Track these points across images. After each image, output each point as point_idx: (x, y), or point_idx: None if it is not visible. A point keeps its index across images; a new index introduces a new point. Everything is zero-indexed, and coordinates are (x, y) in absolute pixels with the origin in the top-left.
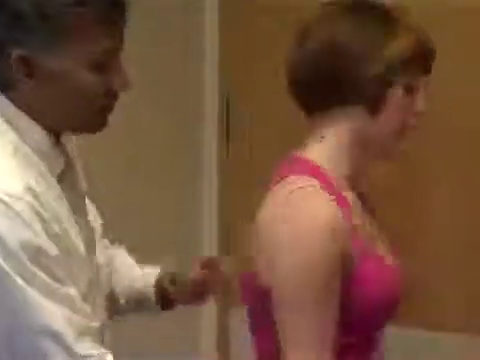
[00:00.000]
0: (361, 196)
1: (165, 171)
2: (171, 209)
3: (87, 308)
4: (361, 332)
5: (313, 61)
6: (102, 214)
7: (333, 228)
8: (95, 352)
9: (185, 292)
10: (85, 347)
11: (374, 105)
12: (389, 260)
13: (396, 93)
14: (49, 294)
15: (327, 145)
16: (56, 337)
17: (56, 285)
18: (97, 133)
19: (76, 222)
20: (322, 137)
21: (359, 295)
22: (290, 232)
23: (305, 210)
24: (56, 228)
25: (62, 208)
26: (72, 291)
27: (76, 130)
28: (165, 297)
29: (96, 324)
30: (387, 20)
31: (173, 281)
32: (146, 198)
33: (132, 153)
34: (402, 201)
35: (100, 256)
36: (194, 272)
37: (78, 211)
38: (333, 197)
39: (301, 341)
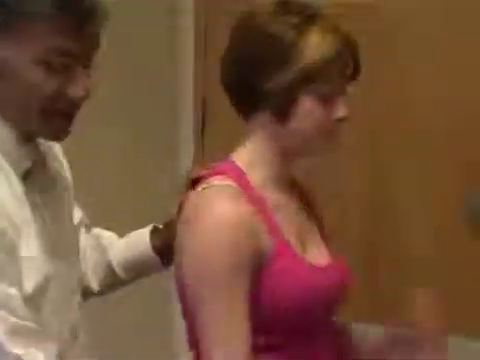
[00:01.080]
0: (301, 197)
1: (140, 171)
2: (146, 210)
3: (24, 309)
4: (282, 333)
5: (226, 68)
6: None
7: (237, 226)
8: (23, 351)
9: None
10: (16, 346)
11: (282, 113)
12: (316, 260)
13: (306, 101)
14: None
15: (249, 149)
16: None
17: None
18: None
19: (35, 221)
20: (246, 141)
21: (271, 293)
22: (194, 230)
23: (209, 208)
24: (1, 223)
25: (17, 205)
26: (10, 290)
27: (37, 133)
28: (164, 253)
29: (32, 325)
30: (300, 27)
31: (169, 232)
32: (121, 198)
33: (106, 150)
34: (371, 206)
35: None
36: None
37: (44, 211)
38: (245, 197)
39: (207, 336)
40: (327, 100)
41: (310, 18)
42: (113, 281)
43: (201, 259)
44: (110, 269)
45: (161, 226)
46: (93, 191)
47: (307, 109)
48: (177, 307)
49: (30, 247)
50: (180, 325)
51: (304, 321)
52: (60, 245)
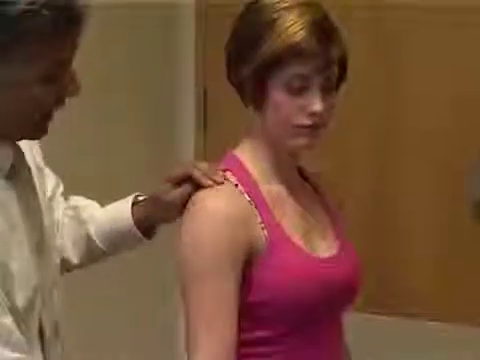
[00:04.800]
0: (310, 189)
1: (141, 162)
2: None
3: (17, 336)
4: (283, 324)
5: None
6: None
7: (230, 219)
8: None
9: (165, 215)
10: None
11: (256, 103)
12: (321, 252)
13: (275, 91)
14: None
15: (249, 141)
16: None
17: None
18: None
19: (24, 222)
20: (247, 133)
21: (269, 285)
22: (188, 224)
23: (202, 203)
24: None
25: (4, 214)
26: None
27: (18, 137)
28: (145, 226)
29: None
30: (268, 20)
31: (155, 205)
32: (124, 188)
33: (108, 142)
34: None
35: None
36: (169, 194)
37: (28, 208)
38: (243, 190)
39: (194, 326)
40: (299, 92)
41: (286, 8)
42: (94, 255)
43: (194, 252)
44: (90, 243)
45: (143, 197)
46: (92, 184)
47: (276, 100)
48: (177, 307)
49: (21, 257)
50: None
51: (304, 312)
52: (43, 242)
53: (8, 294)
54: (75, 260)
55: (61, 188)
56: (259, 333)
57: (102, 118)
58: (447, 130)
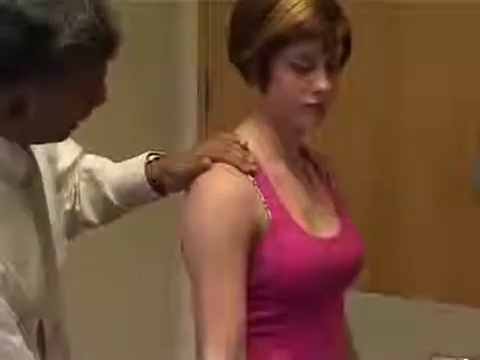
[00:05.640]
0: (313, 170)
1: (145, 142)
2: None
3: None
4: (286, 304)
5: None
6: None
7: (233, 200)
8: None
9: (171, 184)
10: None
11: (261, 84)
12: (323, 233)
13: (279, 70)
14: None
15: (251, 122)
16: None
17: None
18: None
19: (38, 231)
20: (250, 114)
21: (271, 266)
22: (192, 207)
23: (205, 185)
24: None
25: (21, 230)
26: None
27: (40, 142)
28: (159, 186)
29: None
30: (271, 0)
31: (164, 173)
32: None
33: (112, 124)
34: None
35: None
36: (176, 165)
37: (41, 214)
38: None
39: (202, 308)
40: (304, 71)
41: None
42: (112, 213)
43: (199, 234)
44: (107, 203)
45: (155, 157)
46: None
47: (282, 78)
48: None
49: (31, 267)
50: (181, 325)
51: (305, 292)
52: (50, 249)
53: (15, 301)
54: (95, 220)
55: (81, 157)
56: (260, 313)
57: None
58: (446, 127)
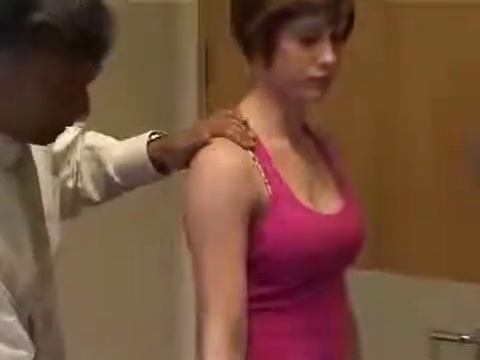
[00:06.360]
0: (315, 146)
1: (144, 116)
2: None
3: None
4: (286, 280)
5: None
6: None
7: (233, 175)
8: None
9: (172, 162)
10: None
11: (265, 57)
12: (325, 208)
13: (285, 43)
14: None
15: (253, 97)
16: None
17: None
18: None
19: (27, 220)
20: (252, 90)
21: (271, 240)
22: (192, 183)
23: (204, 161)
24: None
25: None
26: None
27: (22, 140)
28: (161, 164)
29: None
30: None
31: (166, 151)
32: None
33: (109, 99)
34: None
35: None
36: (176, 142)
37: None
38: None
39: (204, 284)
40: (309, 43)
41: None
42: (113, 191)
43: (199, 209)
44: (109, 181)
45: (157, 136)
46: None
47: (287, 51)
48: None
49: (22, 253)
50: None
51: (305, 269)
52: (41, 233)
53: (10, 281)
54: (97, 198)
55: (82, 133)
56: (260, 289)
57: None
58: (446, 97)
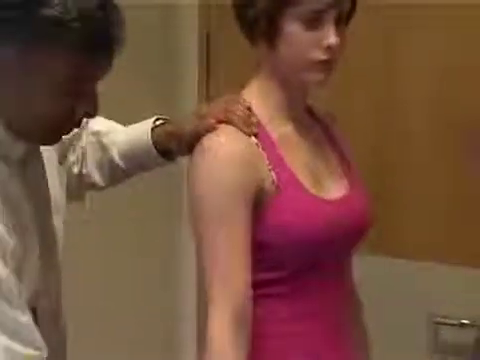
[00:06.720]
0: (320, 131)
1: (145, 108)
2: None
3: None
4: (290, 266)
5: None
6: None
7: (237, 161)
8: None
9: (183, 147)
10: None
11: (269, 40)
12: (330, 194)
13: (289, 25)
14: None
15: (256, 82)
16: None
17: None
18: None
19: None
20: (255, 74)
21: (276, 226)
22: (196, 170)
23: (208, 147)
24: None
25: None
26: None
27: (30, 141)
28: (165, 150)
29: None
30: None
31: (170, 136)
32: None
33: (112, 89)
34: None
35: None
36: (189, 127)
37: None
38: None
39: (209, 269)
40: (313, 26)
41: None
42: (118, 176)
43: (203, 196)
44: (114, 166)
45: (161, 122)
46: None
47: (291, 34)
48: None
49: (28, 246)
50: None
51: (308, 254)
52: (47, 225)
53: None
54: (102, 183)
55: (88, 124)
56: (264, 275)
57: None
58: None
